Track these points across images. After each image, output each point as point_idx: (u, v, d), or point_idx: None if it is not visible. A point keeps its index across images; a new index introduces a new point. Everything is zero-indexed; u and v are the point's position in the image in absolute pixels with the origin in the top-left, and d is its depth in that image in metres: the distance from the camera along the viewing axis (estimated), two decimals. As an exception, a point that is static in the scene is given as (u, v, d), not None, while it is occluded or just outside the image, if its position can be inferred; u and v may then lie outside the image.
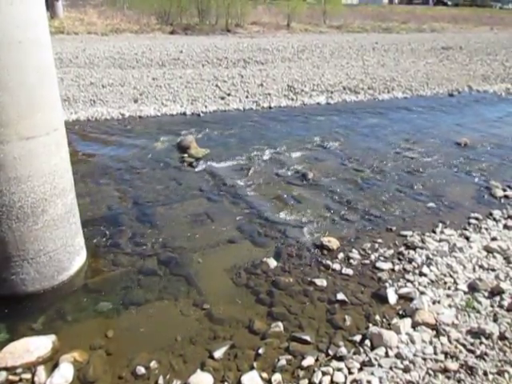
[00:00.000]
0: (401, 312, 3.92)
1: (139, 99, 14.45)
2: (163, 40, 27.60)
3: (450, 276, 4.31)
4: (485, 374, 2.77)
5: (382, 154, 9.56)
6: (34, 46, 3.20)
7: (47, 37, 3.41)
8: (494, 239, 5.09)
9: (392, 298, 4.34)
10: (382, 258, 5.38)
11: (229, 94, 15.70)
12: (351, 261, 5.36)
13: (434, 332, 3.44)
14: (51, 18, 28.33)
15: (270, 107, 14.64)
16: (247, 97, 15.64)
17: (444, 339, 3.31)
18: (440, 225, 6.15)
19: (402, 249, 5.56)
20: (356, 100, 15.53)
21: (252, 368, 3.31)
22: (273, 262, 5.34)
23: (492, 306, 3.65)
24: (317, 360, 3.34)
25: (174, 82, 17.21)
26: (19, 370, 3.05)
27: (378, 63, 22.06)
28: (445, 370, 2.91)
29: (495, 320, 3.45)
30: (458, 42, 29.15)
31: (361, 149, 9.89)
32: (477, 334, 3.23)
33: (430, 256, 4.84)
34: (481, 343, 3.15)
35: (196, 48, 24.05)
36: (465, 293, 4.00)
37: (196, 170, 8.67)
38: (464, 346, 3.17)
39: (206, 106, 14.26)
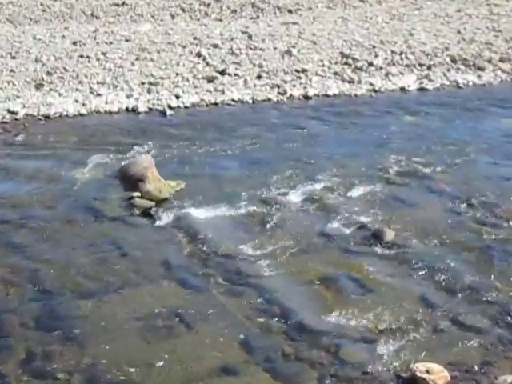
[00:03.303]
0: None
1: (46, 83, 14.86)
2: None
3: None
4: None
5: (533, 190, 9.71)
6: None
7: None
8: None
9: None
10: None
11: (223, 72, 16.04)
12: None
13: None
14: None
15: (307, 97, 14.87)
16: (260, 77, 15.92)
17: None
18: None
19: None
20: (478, 83, 15.80)
21: None
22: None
23: None
24: None
25: (114, 49, 17.55)
26: None
27: (519, 10, 22.41)
28: None
29: None
30: None
31: (490, 181, 10.06)
32: None
33: None
34: None
35: (159, -18, 24.80)
36: None
37: (157, 223, 8.79)
38: None
39: (177, 97, 14.55)
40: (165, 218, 8.91)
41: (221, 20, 21.92)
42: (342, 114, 13.50)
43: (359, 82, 15.41)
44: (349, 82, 15.38)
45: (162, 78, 15.25)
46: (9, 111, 13.27)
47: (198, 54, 17.07)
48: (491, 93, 15.16)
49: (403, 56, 17.07)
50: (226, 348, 6.19)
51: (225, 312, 6.77)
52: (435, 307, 6.82)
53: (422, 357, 5.99)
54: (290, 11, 22.82)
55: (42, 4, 23.32)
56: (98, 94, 14.29)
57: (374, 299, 6.97)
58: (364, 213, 8.93)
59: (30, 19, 21.42)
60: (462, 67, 16.58)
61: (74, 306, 6.86)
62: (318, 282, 7.33)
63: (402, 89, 15.22)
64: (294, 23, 20.78)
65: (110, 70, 15.87)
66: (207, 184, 9.98)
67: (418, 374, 5.71)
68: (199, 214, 8.97)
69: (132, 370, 5.87)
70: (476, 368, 5.88)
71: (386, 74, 15.93)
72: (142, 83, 14.97)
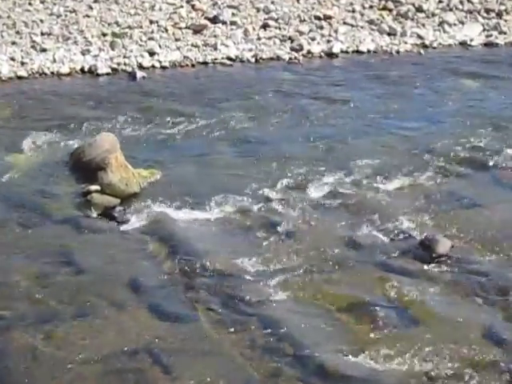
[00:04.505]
0: None
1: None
2: None
3: None
4: None
5: None
6: None
7: None
8: None
9: None
10: None
11: (215, 19, 16.13)
12: None
13: None
14: None
15: (331, 54, 15.05)
16: (266, 26, 16.07)
17: None
18: None
19: None
20: None
21: None
22: None
23: None
24: None
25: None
26: None
27: None
28: None
29: None
30: None
31: None
32: None
33: None
34: None
35: None
36: None
37: (124, 228, 8.82)
38: None
39: (151, 53, 14.69)
40: (134, 220, 8.91)
41: None
42: (380, 77, 13.51)
43: (403, 34, 15.33)
44: (389, 35, 15.31)
45: (130, 28, 15.22)
46: None
47: (180, -6, 17.10)
48: None
49: (464, -3, 17.11)
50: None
51: (217, 350, 6.71)
52: (506, 344, 6.76)
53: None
54: None
55: None
56: (43, 50, 14.21)
57: (423, 334, 6.92)
58: (409, 214, 8.91)
59: None
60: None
61: (11, 339, 6.82)
62: (344, 310, 7.28)
63: (463, 43, 15.15)
64: None
65: (58, 16, 15.80)
66: (191, 174, 9.98)
67: None
68: (181, 215, 8.96)
69: None
70: None
71: (441, 24, 15.86)
72: (103, 34, 14.94)
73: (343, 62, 14.14)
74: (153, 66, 13.82)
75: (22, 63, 13.66)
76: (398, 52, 14.66)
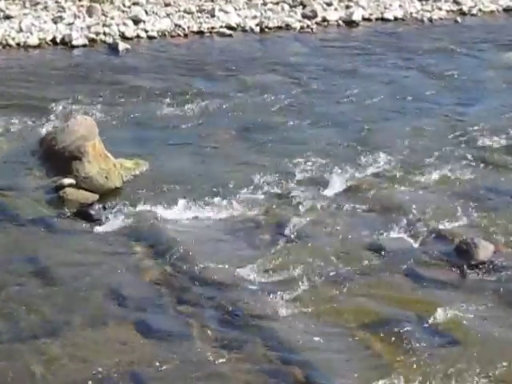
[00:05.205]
0: None
1: None
2: None
3: None
4: None
5: None
6: None
7: None
8: None
9: None
10: None
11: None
12: None
13: None
14: None
15: (351, 22, 15.21)
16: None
17: None
18: None
19: None
20: None
21: None
22: None
23: None
24: None
25: None
26: None
27: None
28: None
29: None
30: None
31: None
32: None
33: None
34: None
35: None
36: None
37: (103, 230, 8.81)
38: None
39: (135, 21, 14.75)
40: (115, 220, 8.93)
41: None
42: (409, 50, 13.47)
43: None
44: (420, 0, 15.35)
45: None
46: None
47: None
48: None
49: None
50: None
51: (214, 375, 6.68)
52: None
53: None
54: None
55: None
56: (7, 17, 14.23)
57: (462, 357, 6.90)
58: (443, 213, 8.92)
59: None
60: None
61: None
62: (366, 328, 7.25)
63: (508, 10, 15.14)
64: None
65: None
66: (183, 165, 10.02)
67: None
68: (170, 214, 8.99)
69: None
70: None
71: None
72: (78, 1, 14.97)
73: (365, 31, 14.18)
74: (138, 37, 13.83)
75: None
76: (430, 20, 14.66)
